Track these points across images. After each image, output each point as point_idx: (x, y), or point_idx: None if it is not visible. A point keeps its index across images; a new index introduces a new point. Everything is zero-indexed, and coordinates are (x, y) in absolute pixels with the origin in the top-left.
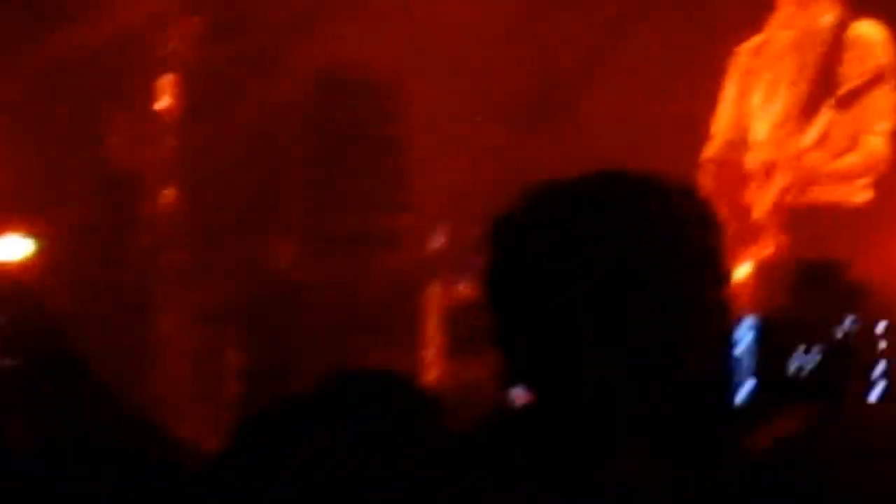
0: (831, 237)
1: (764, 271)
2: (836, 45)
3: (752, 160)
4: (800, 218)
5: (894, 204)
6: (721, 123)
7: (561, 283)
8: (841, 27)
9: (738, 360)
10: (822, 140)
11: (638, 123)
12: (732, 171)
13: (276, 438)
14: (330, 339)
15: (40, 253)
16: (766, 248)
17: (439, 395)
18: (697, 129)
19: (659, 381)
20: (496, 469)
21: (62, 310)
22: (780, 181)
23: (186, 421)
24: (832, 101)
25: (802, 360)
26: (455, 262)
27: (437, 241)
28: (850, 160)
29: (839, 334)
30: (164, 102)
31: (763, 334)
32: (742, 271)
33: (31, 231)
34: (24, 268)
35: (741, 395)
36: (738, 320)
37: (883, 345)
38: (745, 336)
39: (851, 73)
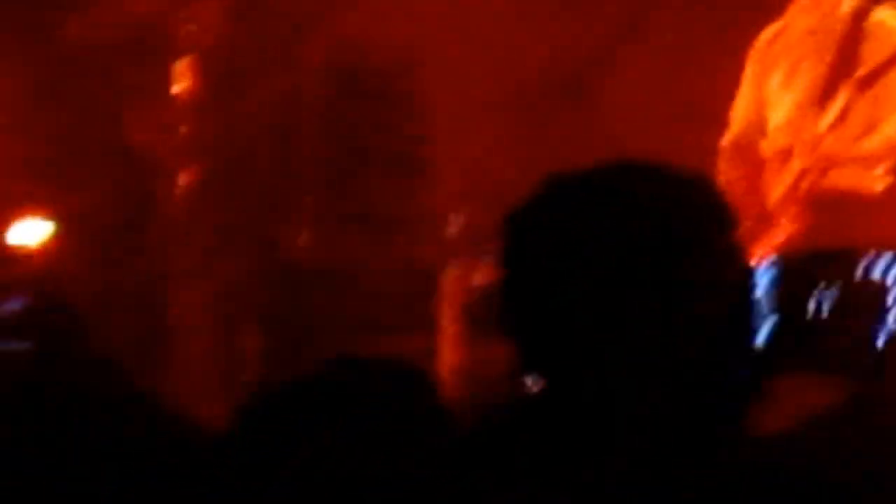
0: (849, 223)
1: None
2: (855, 31)
3: (770, 146)
4: (817, 203)
5: None
6: (740, 110)
7: (562, 280)
8: (861, 14)
9: (758, 301)
10: (840, 124)
11: (658, 110)
12: (751, 156)
13: (270, 430)
14: (346, 323)
15: (56, 236)
16: (784, 233)
17: (442, 382)
18: (717, 116)
19: (659, 381)
20: (496, 469)
21: (79, 293)
22: (796, 166)
23: (203, 403)
24: (850, 83)
25: (822, 296)
26: (473, 246)
27: (455, 226)
28: (869, 144)
29: (859, 271)
30: (181, 85)
31: (783, 272)
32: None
33: (46, 214)
34: (40, 251)
35: (761, 337)
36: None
37: None
38: (764, 275)
39: (871, 59)
